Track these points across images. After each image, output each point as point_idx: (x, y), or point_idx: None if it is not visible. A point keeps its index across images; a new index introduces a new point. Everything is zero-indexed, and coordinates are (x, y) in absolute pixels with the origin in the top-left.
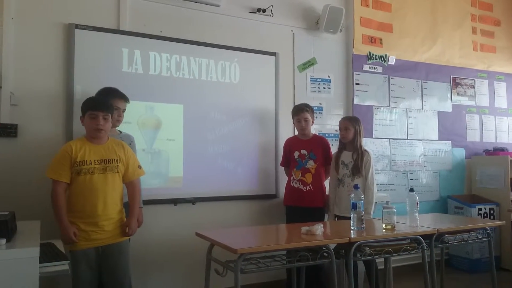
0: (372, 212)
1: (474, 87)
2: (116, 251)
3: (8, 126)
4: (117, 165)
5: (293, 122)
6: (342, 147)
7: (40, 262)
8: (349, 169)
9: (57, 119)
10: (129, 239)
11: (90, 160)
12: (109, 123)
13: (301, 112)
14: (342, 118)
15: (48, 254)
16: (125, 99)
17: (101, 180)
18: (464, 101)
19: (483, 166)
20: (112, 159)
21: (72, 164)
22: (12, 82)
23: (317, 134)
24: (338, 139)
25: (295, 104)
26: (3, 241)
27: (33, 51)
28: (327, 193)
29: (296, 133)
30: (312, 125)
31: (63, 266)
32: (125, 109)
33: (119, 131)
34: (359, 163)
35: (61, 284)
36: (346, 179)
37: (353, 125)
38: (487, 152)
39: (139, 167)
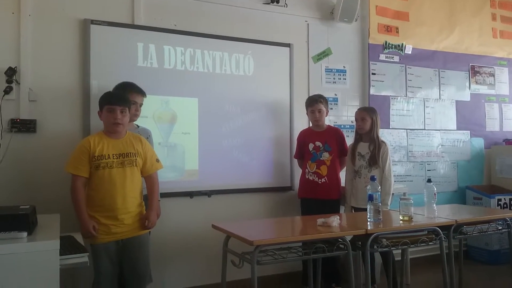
0: (389, 203)
1: (493, 75)
2: (136, 244)
3: (27, 122)
4: (135, 159)
5: (307, 114)
6: (358, 138)
7: (60, 255)
8: (365, 160)
9: (74, 114)
10: (149, 232)
11: (109, 154)
12: (127, 117)
13: (315, 103)
14: (358, 109)
15: (68, 246)
16: (142, 93)
17: (120, 174)
18: (483, 89)
19: (503, 155)
20: (130, 153)
21: (90, 158)
22: (30, 79)
23: (331, 125)
24: (354, 130)
25: (309, 95)
26: (24, 234)
27: (50, 47)
28: (342, 185)
29: (311, 125)
30: (326, 116)
31: (83, 258)
32: (142, 103)
33: (137, 125)
34: (376, 154)
35: (81, 277)
36: (363, 171)
37: (370, 116)
38: (507, 141)
39: (157, 160)
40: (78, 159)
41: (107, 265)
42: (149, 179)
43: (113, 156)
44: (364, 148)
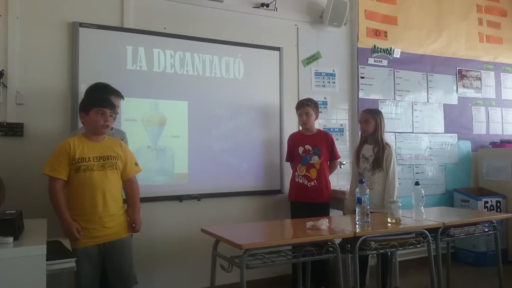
0: None
1: (480, 79)
2: (119, 247)
3: (14, 125)
4: (116, 162)
5: (297, 117)
6: (363, 140)
7: (47, 260)
8: (369, 163)
9: (62, 118)
10: (131, 234)
11: (89, 157)
12: (113, 120)
13: (302, 106)
14: (362, 111)
15: (55, 251)
16: (120, 95)
17: (101, 176)
18: (470, 93)
19: (490, 158)
20: (111, 155)
21: (70, 161)
22: (18, 82)
23: (321, 129)
24: (344, 133)
25: (300, 99)
26: (11, 239)
27: (38, 50)
28: (333, 188)
29: (300, 128)
30: (316, 120)
31: (70, 263)
32: (119, 106)
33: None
34: (380, 156)
35: (64, 281)
36: (366, 173)
37: (374, 118)
38: (494, 144)
39: (136, 164)
40: (57, 161)
41: (87, 270)
42: (129, 182)
43: (93, 159)
44: (368, 150)
